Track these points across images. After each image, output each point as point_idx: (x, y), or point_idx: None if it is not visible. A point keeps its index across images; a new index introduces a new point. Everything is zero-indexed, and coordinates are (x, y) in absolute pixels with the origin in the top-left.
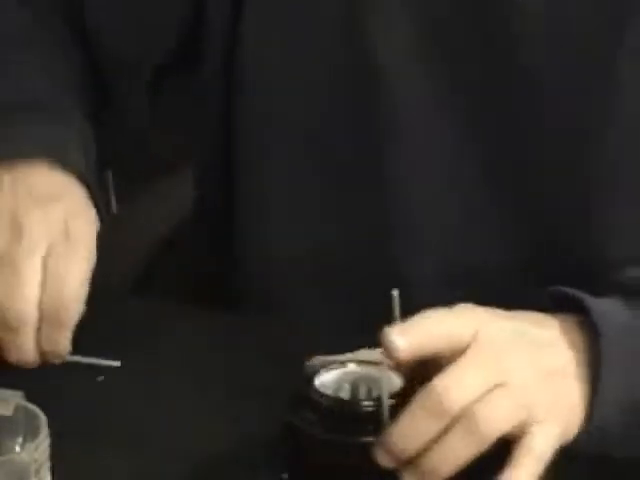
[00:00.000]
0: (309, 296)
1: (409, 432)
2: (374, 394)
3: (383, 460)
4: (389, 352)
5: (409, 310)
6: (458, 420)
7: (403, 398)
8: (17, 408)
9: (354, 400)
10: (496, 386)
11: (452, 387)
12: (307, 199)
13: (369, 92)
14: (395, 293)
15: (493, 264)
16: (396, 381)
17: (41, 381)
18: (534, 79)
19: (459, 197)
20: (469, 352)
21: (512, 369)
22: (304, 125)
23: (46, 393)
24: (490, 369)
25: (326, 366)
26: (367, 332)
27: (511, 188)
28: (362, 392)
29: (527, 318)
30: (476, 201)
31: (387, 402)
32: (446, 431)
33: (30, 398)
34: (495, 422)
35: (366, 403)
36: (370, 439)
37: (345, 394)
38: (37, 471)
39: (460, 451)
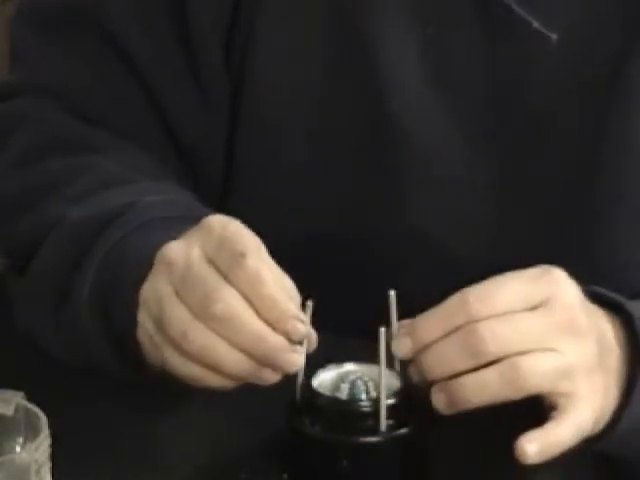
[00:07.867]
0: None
1: (437, 359)
2: (372, 394)
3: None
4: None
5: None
6: (497, 363)
7: (401, 398)
8: (18, 408)
9: (352, 400)
10: (550, 349)
11: (501, 332)
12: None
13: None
14: (392, 293)
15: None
16: (394, 381)
17: (41, 381)
18: (550, 115)
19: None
20: (542, 310)
21: (574, 343)
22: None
23: (46, 393)
24: (554, 333)
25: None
26: (367, 332)
27: (528, 229)
28: (360, 392)
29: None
30: (493, 239)
31: (385, 402)
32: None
33: (31, 398)
34: (537, 378)
35: (364, 403)
36: (369, 439)
37: (343, 394)
38: (37, 471)
39: (493, 390)
